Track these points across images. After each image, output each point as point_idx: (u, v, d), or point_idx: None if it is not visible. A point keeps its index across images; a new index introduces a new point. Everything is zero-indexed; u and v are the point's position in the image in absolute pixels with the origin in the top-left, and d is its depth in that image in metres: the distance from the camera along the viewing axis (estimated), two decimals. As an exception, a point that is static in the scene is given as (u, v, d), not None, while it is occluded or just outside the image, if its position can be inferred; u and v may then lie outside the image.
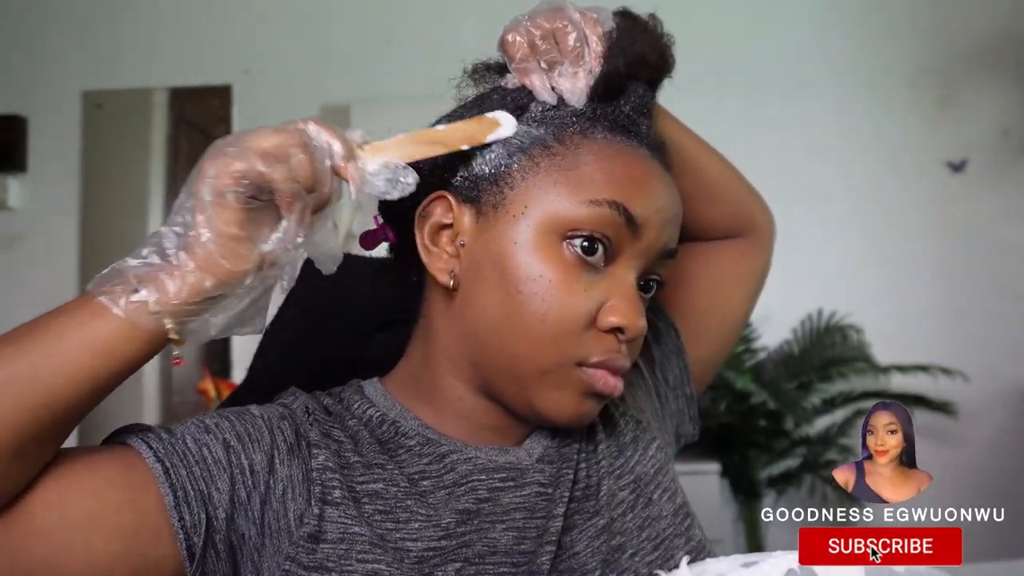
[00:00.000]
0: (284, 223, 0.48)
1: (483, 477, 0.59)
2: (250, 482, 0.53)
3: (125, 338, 0.47)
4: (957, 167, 2.64)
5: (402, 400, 0.62)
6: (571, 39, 0.57)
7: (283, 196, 0.47)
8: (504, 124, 0.57)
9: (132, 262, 0.47)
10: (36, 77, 2.82)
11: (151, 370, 2.79)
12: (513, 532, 0.57)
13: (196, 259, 0.47)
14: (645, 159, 0.58)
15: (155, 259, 0.47)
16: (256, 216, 0.48)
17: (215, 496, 0.51)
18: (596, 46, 0.57)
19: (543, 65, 0.58)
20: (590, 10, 0.58)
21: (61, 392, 0.46)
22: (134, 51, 2.82)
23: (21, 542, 0.46)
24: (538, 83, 0.58)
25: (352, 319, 0.77)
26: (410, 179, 0.52)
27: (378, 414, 0.61)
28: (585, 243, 0.55)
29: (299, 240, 0.49)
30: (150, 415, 2.71)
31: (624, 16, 0.60)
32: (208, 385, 2.33)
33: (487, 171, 0.58)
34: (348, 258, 0.81)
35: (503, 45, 0.59)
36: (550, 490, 0.60)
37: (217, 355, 2.76)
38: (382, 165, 0.52)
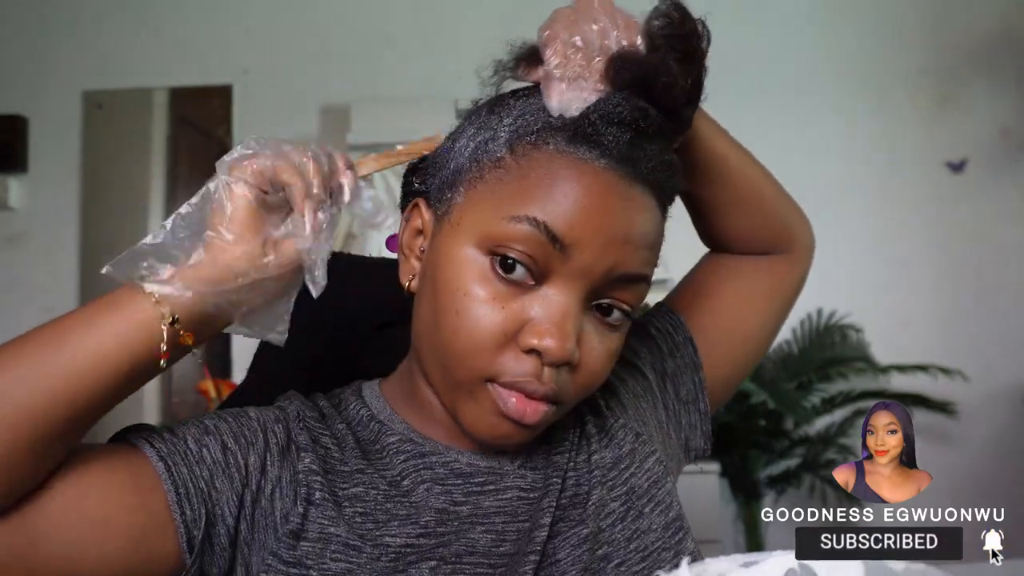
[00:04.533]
0: (295, 216, 0.52)
1: (459, 482, 0.59)
2: (244, 482, 0.55)
3: (147, 331, 0.49)
4: (957, 167, 2.64)
5: (393, 403, 0.63)
6: (581, 55, 0.56)
7: (295, 192, 0.52)
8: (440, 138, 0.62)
9: (147, 244, 0.51)
10: (36, 77, 2.82)
11: (151, 370, 2.79)
12: (491, 535, 0.58)
13: (208, 245, 0.50)
14: (597, 173, 0.54)
15: (168, 241, 0.51)
16: (267, 212, 0.52)
17: (213, 494, 0.54)
18: (598, 65, 0.55)
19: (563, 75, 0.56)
20: (620, 16, 0.56)
21: (84, 389, 0.48)
22: (134, 51, 2.82)
23: (39, 538, 0.48)
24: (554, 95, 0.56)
25: (351, 319, 0.77)
26: (389, 220, 0.56)
27: (368, 413, 0.63)
28: (503, 260, 0.54)
29: (308, 233, 0.52)
30: (150, 415, 2.71)
31: (670, 19, 0.56)
32: (208, 385, 2.33)
33: (446, 179, 0.59)
34: (348, 258, 0.82)
35: (541, 41, 0.57)
36: (533, 495, 0.60)
37: (217, 355, 2.76)
38: (371, 195, 0.56)
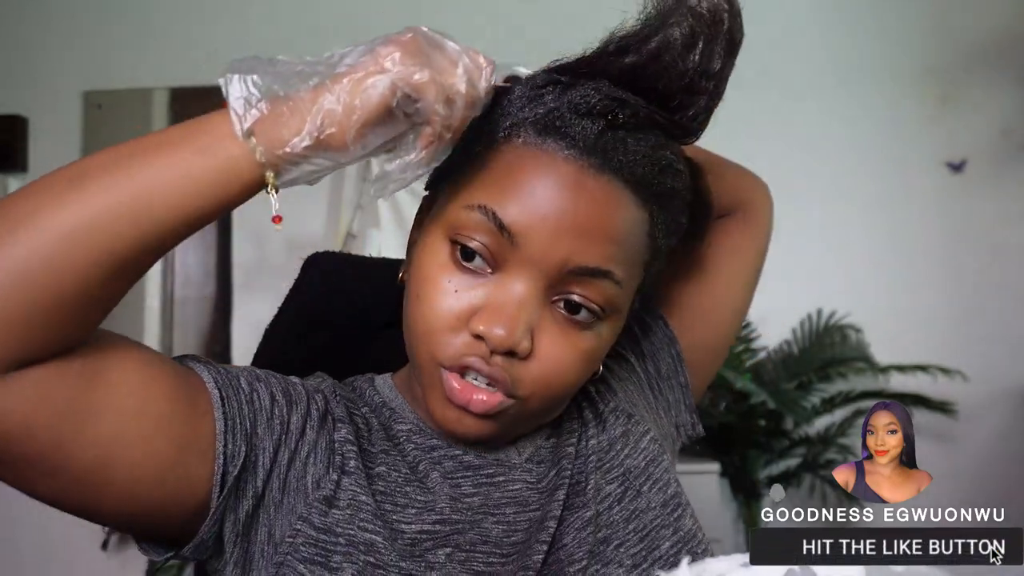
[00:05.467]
0: (413, 154, 0.51)
1: (469, 473, 0.60)
2: (283, 438, 0.55)
3: (239, 182, 0.48)
4: (957, 167, 2.64)
5: (403, 394, 0.65)
6: None
7: (427, 135, 0.50)
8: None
9: (275, 62, 0.49)
10: (36, 77, 2.82)
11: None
12: (503, 525, 0.58)
13: (321, 117, 0.48)
14: (556, 163, 0.54)
15: (287, 71, 0.49)
16: (389, 118, 0.49)
17: (255, 439, 0.54)
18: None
19: None
20: None
21: (167, 223, 0.47)
22: (134, 51, 2.82)
23: (100, 409, 0.47)
24: None
25: (353, 319, 0.77)
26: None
27: (381, 400, 0.64)
28: (460, 248, 0.55)
29: (411, 159, 0.51)
30: (150, 415, 2.71)
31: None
32: (208, 385, 2.34)
33: (439, 179, 0.61)
34: (348, 258, 0.82)
35: None
36: (541, 486, 0.61)
37: (217, 355, 2.76)
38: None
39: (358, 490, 0.56)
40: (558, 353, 0.56)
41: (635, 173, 0.55)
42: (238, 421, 0.53)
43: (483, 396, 0.55)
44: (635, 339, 0.74)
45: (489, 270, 0.55)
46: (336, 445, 0.57)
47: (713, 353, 0.78)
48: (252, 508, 0.54)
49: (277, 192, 0.49)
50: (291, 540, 0.53)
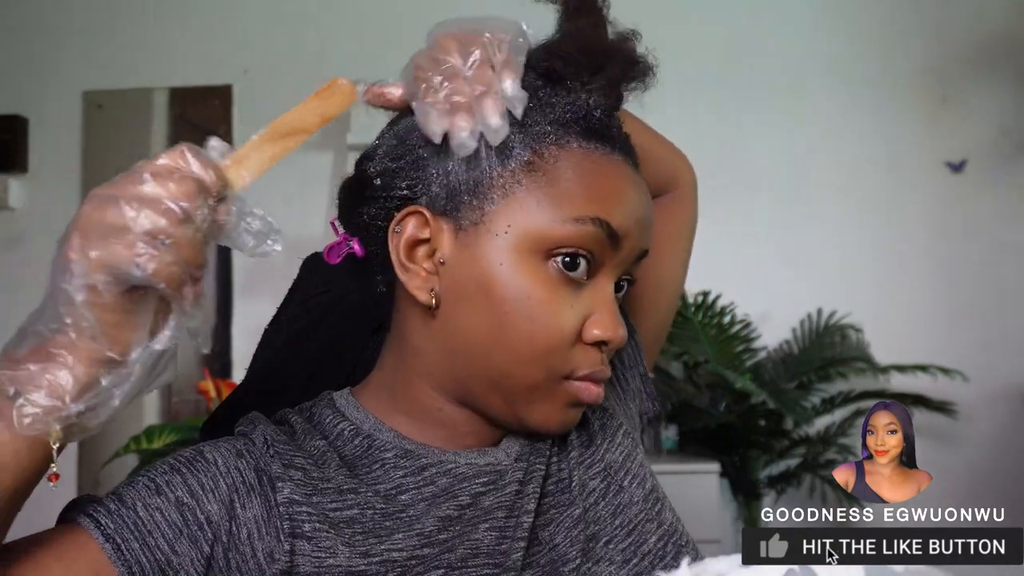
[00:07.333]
0: (172, 317, 0.45)
1: (464, 485, 0.59)
2: (210, 535, 0.52)
3: (14, 452, 0.43)
4: (957, 167, 2.64)
5: (376, 412, 0.61)
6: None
7: (168, 292, 0.43)
8: (350, 88, 0.56)
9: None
10: (36, 77, 2.83)
11: (151, 370, 2.79)
12: (495, 532, 0.57)
13: (78, 353, 0.43)
14: (619, 165, 0.58)
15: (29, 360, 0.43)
16: (139, 294, 0.44)
17: (174, 560, 0.50)
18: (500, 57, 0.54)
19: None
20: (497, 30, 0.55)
21: None
22: (134, 51, 2.82)
23: None
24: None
25: (351, 319, 0.77)
26: (278, 246, 0.49)
27: (351, 427, 0.60)
28: (567, 259, 0.55)
29: (192, 324, 0.46)
30: (150, 415, 2.71)
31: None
32: (208, 385, 2.33)
33: (467, 183, 0.56)
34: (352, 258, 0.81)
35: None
36: (523, 487, 0.60)
37: (217, 355, 2.76)
38: (254, 217, 0.48)
39: (323, 555, 0.53)
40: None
41: (639, 163, 0.61)
42: (144, 560, 0.49)
43: (602, 389, 0.59)
44: None
45: (586, 278, 0.57)
46: (280, 509, 0.53)
47: (657, 336, 0.82)
48: None
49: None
50: None
